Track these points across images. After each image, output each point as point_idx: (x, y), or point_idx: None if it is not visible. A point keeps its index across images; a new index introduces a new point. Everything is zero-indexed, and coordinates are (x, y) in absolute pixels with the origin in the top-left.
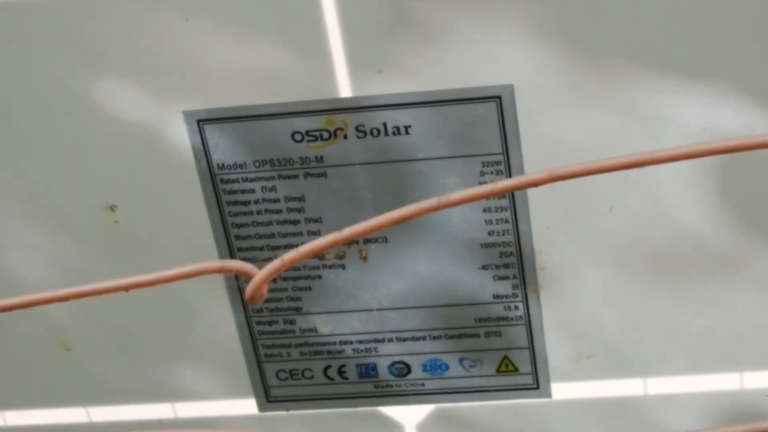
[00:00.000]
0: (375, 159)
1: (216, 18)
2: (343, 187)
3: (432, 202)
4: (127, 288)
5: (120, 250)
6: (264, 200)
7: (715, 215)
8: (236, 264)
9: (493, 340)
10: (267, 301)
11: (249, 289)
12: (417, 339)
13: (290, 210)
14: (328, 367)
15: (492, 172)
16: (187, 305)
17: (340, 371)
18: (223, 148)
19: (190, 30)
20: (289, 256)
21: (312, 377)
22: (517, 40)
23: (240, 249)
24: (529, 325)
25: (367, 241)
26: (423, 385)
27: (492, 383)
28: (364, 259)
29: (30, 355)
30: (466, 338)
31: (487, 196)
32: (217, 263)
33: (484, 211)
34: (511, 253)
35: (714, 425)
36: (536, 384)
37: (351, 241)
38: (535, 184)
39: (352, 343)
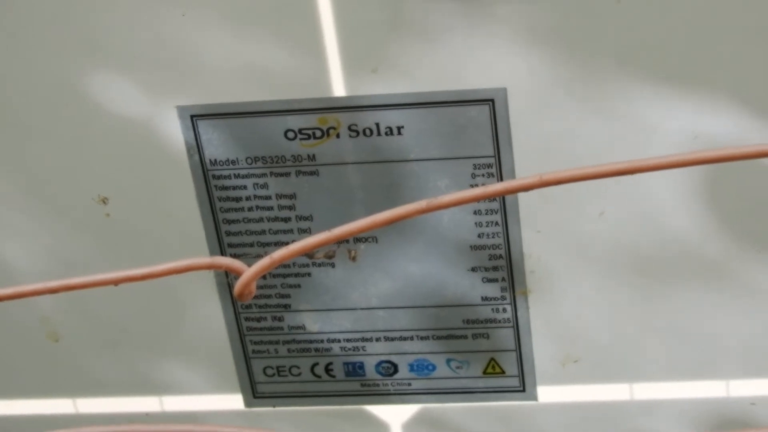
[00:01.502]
0: (367, 158)
1: (213, 14)
2: (334, 186)
3: (422, 204)
4: (116, 282)
5: (111, 243)
6: (255, 197)
7: (704, 222)
8: (225, 261)
9: (481, 342)
10: (256, 297)
11: (237, 287)
12: (405, 339)
13: (281, 207)
14: (316, 364)
15: (483, 175)
16: (177, 300)
17: (328, 369)
18: (216, 144)
19: (187, 25)
20: (279, 254)
21: (299, 374)
22: (512, 44)
23: (230, 245)
24: (516, 327)
25: (357, 240)
26: (409, 384)
27: (478, 385)
28: (353, 259)
29: (19, 345)
30: (453, 339)
31: (477, 200)
32: (206, 259)
33: (475, 213)
34: (501, 256)
35: None
36: (522, 387)
37: (341, 241)
38: (526, 188)
39: (339, 341)
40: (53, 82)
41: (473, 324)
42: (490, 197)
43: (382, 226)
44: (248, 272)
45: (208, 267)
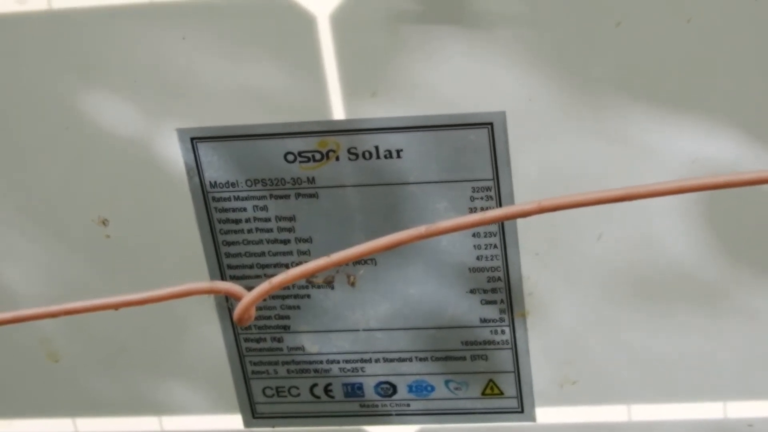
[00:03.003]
0: (366, 181)
1: (213, 38)
2: (334, 209)
3: (421, 229)
4: (116, 306)
5: (111, 265)
6: (255, 219)
7: (702, 245)
8: (225, 285)
9: (479, 363)
10: (255, 318)
11: (237, 312)
12: (403, 360)
13: (281, 229)
14: (315, 385)
15: (482, 198)
16: (176, 320)
17: (327, 390)
18: (216, 166)
19: (187, 49)
20: (278, 279)
21: (298, 395)
22: (511, 68)
23: (230, 266)
24: (515, 349)
25: (356, 262)
26: (408, 405)
27: (477, 406)
28: (353, 284)
29: (19, 365)
30: (452, 360)
31: (475, 226)
32: (205, 284)
33: (474, 236)
34: (499, 278)
35: None
36: (521, 408)
37: (340, 265)
38: (524, 214)
39: (338, 362)
40: (53, 104)
41: (472, 345)
42: (490, 223)
43: (381, 251)
44: (247, 297)
45: (208, 291)
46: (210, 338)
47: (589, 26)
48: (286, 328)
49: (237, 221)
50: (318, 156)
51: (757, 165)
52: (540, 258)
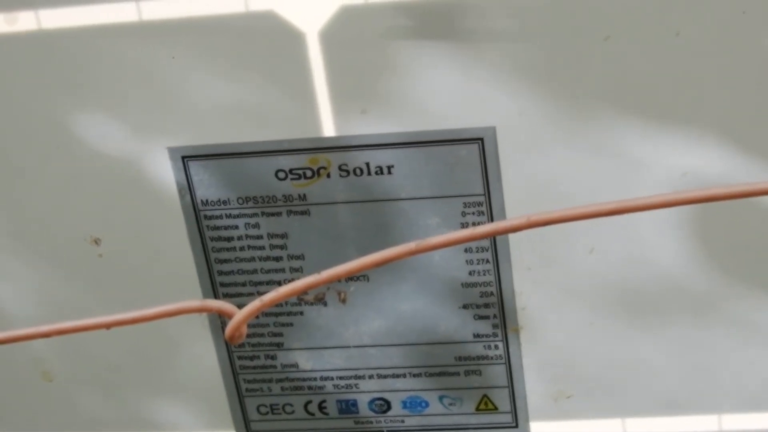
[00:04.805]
0: (358, 198)
1: (202, 56)
2: (325, 225)
3: (411, 246)
4: (108, 326)
5: (104, 284)
6: (247, 236)
7: (694, 258)
8: (216, 303)
9: (473, 379)
10: (249, 336)
11: (228, 330)
12: (397, 376)
13: (273, 247)
14: (309, 402)
15: (474, 213)
16: (170, 339)
17: (321, 407)
18: (207, 184)
19: (177, 68)
20: (268, 297)
21: (293, 412)
22: (500, 83)
23: (223, 284)
24: (508, 364)
25: (348, 279)
26: (403, 421)
27: (471, 421)
28: (343, 301)
29: (13, 384)
30: (446, 376)
31: (465, 241)
32: (196, 303)
33: (466, 251)
34: (492, 293)
35: None
36: (515, 423)
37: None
38: (514, 230)
39: (332, 379)
40: (44, 124)
41: (465, 361)
42: (479, 239)
43: (371, 268)
44: (238, 315)
45: (199, 310)
46: (203, 356)
47: (578, 40)
48: (279, 345)
49: (229, 239)
50: (309, 173)
51: (748, 177)
52: (533, 273)
